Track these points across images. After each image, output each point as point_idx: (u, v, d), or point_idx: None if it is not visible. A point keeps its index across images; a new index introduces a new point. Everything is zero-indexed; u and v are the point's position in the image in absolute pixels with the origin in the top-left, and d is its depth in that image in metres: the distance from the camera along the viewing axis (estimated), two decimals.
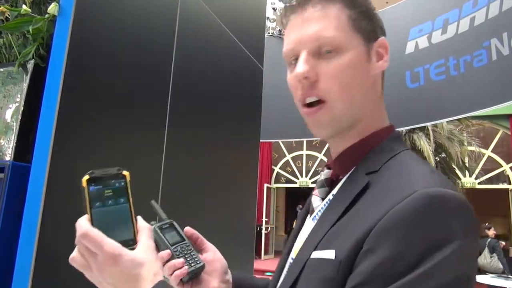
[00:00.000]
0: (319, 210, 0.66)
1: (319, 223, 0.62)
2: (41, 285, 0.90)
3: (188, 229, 0.79)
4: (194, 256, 0.73)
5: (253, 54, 2.11)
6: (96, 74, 1.11)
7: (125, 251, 0.59)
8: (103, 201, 0.62)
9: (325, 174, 0.70)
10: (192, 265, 0.72)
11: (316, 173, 11.05)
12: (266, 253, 10.56)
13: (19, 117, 1.09)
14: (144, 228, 0.65)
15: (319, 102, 0.63)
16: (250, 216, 2.11)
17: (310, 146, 11.18)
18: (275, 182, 11.57)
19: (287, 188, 12.08)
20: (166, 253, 0.71)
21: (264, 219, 10.31)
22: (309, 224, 0.66)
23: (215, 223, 1.67)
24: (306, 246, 0.60)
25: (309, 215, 0.69)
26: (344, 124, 0.64)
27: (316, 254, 0.56)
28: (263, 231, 10.27)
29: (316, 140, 10.86)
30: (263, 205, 10.20)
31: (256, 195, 2.20)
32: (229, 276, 0.80)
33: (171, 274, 0.71)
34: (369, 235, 0.50)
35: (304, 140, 11.02)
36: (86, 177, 0.61)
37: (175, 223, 0.76)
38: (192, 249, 0.74)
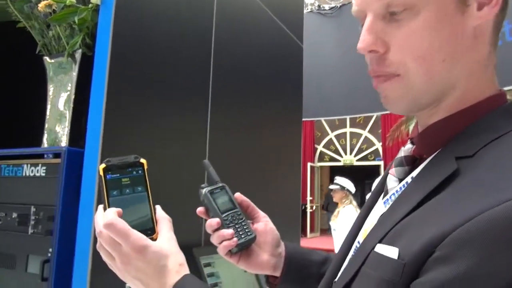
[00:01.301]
0: (393, 194, 0.55)
1: (390, 211, 0.52)
2: (100, 262, 0.96)
3: (238, 195, 0.74)
4: (245, 227, 0.69)
5: (292, 32, 2.07)
6: (139, 59, 1.14)
7: (150, 242, 0.57)
8: (120, 190, 0.60)
9: (405, 150, 0.58)
10: (243, 236, 0.68)
11: (360, 150, 10.83)
12: (312, 231, 10.60)
13: (71, 105, 1.15)
14: (163, 219, 0.62)
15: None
16: (295, 195, 2.11)
17: (353, 123, 10.94)
18: (318, 161, 11.48)
19: (331, 167, 11.96)
20: (215, 221, 0.67)
21: (308, 198, 10.31)
22: (380, 207, 0.57)
23: (261, 202, 1.69)
24: (372, 235, 0.51)
25: (381, 196, 0.60)
26: (424, 99, 0.52)
27: (379, 248, 0.47)
28: (308, 210, 10.30)
29: (359, 117, 10.60)
30: (307, 184, 10.19)
31: (300, 174, 2.19)
32: (281, 249, 0.75)
33: (220, 243, 0.68)
34: (446, 239, 0.39)
35: (348, 117, 10.80)
36: (103, 165, 0.60)
37: (227, 188, 0.72)
38: (244, 218, 0.70)
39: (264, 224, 0.74)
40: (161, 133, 1.21)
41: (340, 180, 4.82)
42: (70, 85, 1.16)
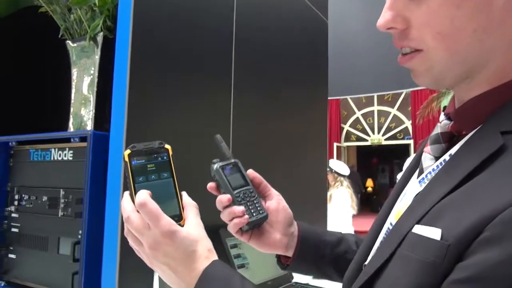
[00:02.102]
0: (429, 172, 0.53)
1: (427, 190, 0.50)
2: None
3: (250, 171, 0.72)
4: (257, 204, 0.67)
5: (317, 7, 2.00)
6: (161, 40, 1.13)
7: (179, 227, 0.57)
8: (146, 176, 0.60)
9: (442, 126, 0.55)
10: (254, 214, 0.66)
11: (389, 129, 10.60)
12: None
13: (95, 89, 1.15)
14: (190, 205, 0.62)
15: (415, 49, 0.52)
16: (321, 175, 2.09)
17: (381, 101, 10.67)
18: (345, 141, 11.33)
19: (358, 147, 11.80)
20: (226, 198, 0.66)
21: None
22: (415, 186, 0.55)
23: (287, 182, 1.68)
24: (408, 215, 0.50)
25: (416, 175, 0.58)
26: (450, 75, 0.51)
27: (418, 229, 0.45)
28: None
29: (388, 94, 10.33)
30: None
31: (326, 155, 2.16)
32: (293, 229, 0.74)
33: (230, 221, 0.67)
34: (495, 219, 0.37)
35: (375, 95, 10.54)
36: (128, 151, 0.59)
37: (240, 164, 0.70)
38: (256, 195, 0.68)
39: (276, 202, 0.72)
40: (185, 113, 1.21)
41: (331, 162, 4.90)
42: (93, 68, 1.17)
